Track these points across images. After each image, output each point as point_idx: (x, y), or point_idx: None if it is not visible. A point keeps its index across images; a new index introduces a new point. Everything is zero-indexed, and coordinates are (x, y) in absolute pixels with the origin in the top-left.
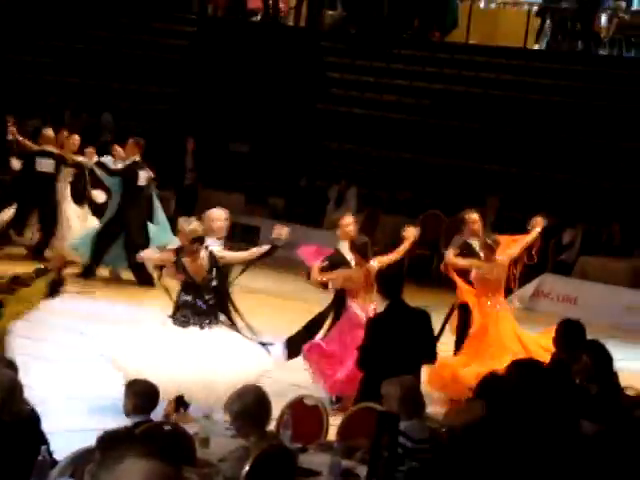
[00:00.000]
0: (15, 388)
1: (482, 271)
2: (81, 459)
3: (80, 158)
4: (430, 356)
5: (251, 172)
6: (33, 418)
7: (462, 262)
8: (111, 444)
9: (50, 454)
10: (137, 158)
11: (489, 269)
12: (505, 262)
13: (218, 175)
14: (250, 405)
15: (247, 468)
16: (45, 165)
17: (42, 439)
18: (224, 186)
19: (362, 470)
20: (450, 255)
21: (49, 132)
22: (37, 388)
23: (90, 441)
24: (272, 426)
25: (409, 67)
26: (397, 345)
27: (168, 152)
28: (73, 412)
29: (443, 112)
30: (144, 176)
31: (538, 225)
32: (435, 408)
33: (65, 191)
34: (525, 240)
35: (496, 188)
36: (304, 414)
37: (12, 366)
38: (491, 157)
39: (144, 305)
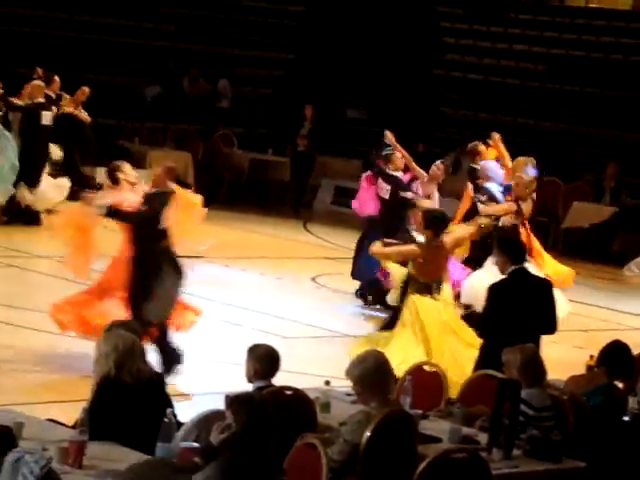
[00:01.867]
0: (134, 350)
1: None
2: (205, 422)
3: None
4: (550, 327)
5: (367, 138)
6: (156, 380)
7: None
8: (239, 406)
9: (175, 416)
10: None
11: None
12: None
13: (334, 141)
14: (371, 370)
15: (369, 433)
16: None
17: (167, 402)
18: (340, 152)
19: (482, 437)
20: None
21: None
22: None
23: (213, 404)
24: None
25: (527, 32)
26: (519, 313)
27: (285, 118)
28: (197, 375)
29: (562, 77)
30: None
31: None
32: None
33: None
34: None
35: (615, 154)
36: (424, 380)
37: (136, 330)
38: (610, 123)
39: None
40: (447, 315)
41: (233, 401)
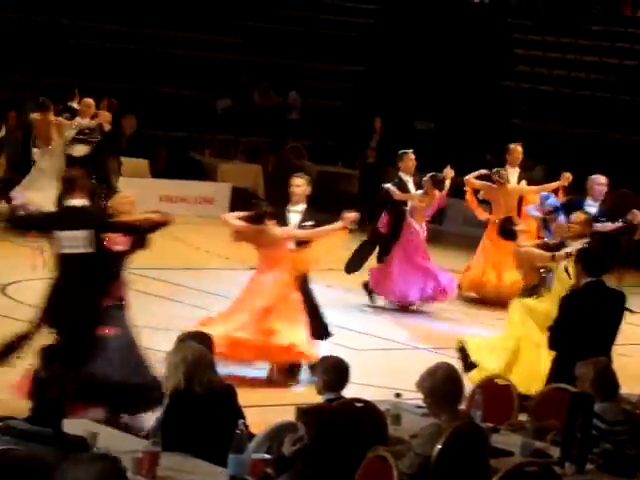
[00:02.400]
0: (202, 361)
1: None
2: (277, 434)
3: None
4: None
5: (435, 150)
6: (228, 392)
7: None
8: (311, 418)
9: (247, 427)
10: None
11: None
12: None
13: None
14: (441, 383)
15: (440, 446)
16: None
17: (238, 413)
18: None
19: (555, 451)
20: None
21: None
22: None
23: (284, 416)
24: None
25: (598, 43)
26: (593, 325)
27: (354, 130)
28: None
29: (634, 88)
30: None
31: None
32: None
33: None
34: None
35: None
36: (495, 394)
37: (205, 341)
38: None
39: None
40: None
41: (304, 413)
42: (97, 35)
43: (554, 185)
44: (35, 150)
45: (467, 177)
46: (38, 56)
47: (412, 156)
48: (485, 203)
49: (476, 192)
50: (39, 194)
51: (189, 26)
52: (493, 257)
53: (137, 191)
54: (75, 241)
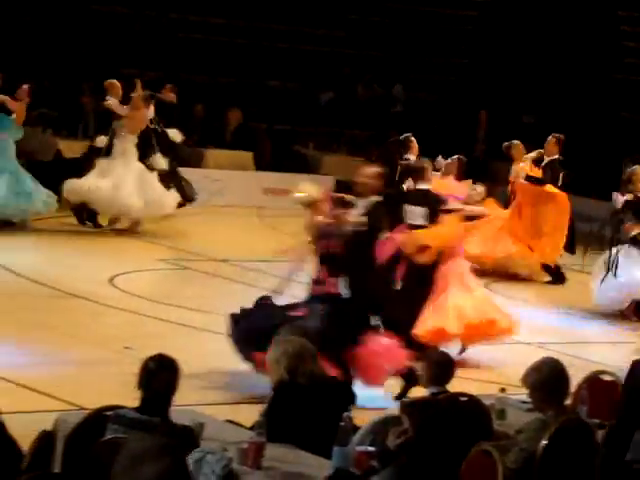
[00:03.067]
0: (303, 353)
1: None
2: (381, 426)
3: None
4: None
5: (540, 144)
6: (332, 383)
7: None
8: (415, 411)
9: (351, 419)
10: None
11: None
12: None
13: None
14: (547, 378)
15: (545, 441)
16: None
17: (344, 405)
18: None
19: None
20: None
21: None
22: None
23: (388, 409)
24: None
25: None
26: None
27: (457, 123)
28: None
29: None
30: None
31: None
32: None
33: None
34: None
35: None
36: (601, 389)
37: (306, 334)
38: None
39: None
40: None
41: (409, 406)
42: (204, 29)
43: None
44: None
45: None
46: (146, 50)
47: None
48: None
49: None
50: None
51: (295, 20)
52: None
53: (241, 183)
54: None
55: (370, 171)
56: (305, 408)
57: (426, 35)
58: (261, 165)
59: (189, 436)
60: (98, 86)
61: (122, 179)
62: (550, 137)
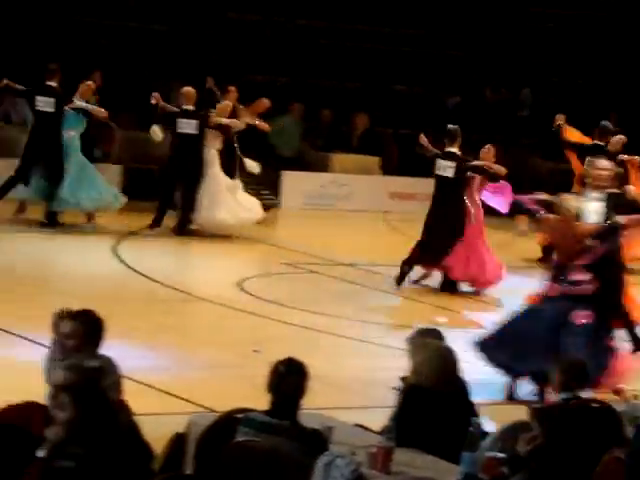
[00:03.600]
0: (447, 361)
1: None
2: (511, 432)
3: (226, 120)
4: None
5: None
6: (462, 389)
7: None
8: (545, 417)
9: (480, 425)
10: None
11: None
12: None
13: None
14: None
15: None
16: (187, 125)
17: (472, 411)
18: None
19: None
20: None
21: (190, 90)
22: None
23: (516, 415)
24: None
25: None
26: None
27: (585, 128)
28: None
29: None
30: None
31: None
32: None
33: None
34: None
35: None
36: None
37: (441, 336)
38: None
39: None
40: None
41: (539, 412)
42: (331, 34)
43: None
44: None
45: None
46: (275, 56)
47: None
48: None
49: None
50: None
51: (423, 24)
52: None
53: (367, 188)
54: None
55: (605, 163)
56: (434, 414)
57: (553, 38)
58: (388, 169)
59: (318, 440)
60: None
61: (215, 196)
62: None
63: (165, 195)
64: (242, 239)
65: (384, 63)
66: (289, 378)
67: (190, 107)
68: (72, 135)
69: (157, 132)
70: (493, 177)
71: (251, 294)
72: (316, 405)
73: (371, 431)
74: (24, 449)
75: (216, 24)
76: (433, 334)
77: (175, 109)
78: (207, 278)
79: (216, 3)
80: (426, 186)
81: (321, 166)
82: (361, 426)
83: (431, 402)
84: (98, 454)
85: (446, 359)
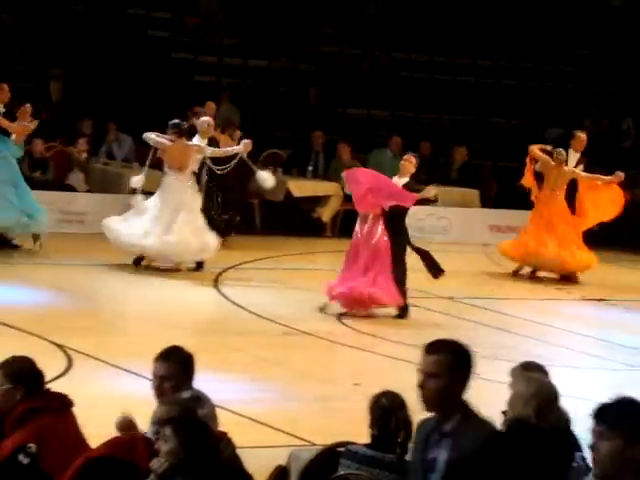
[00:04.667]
0: (552, 397)
1: None
2: None
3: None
4: None
5: None
6: (568, 424)
7: None
8: None
9: (584, 460)
10: None
11: None
12: None
13: None
14: None
15: None
16: None
17: (577, 445)
18: None
19: None
20: None
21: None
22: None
23: None
24: None
25: None
26: None
27: None
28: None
29: None
30: None
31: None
32: None
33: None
34: None
35: None
36: None
37: (544, 371)
38: None
39: None
40: None
41: None
42: (428, 68)
43: (606, 179)
44: None
45: (531, 147)
46: (371, 89)
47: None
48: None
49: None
50: None
51: (520, 56)
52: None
53: (466, 220)
54: None
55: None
56: (538, 448)
57: None
58: (486, 202)
59: None
60: (330, 126)
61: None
62: None
63: None
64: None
65: (482, 95)
66: (391, 412)
67: None
68: None
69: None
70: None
71: (351, 327)
72: None
73: None
74: None
75: (311, 57)
76: (536, 368)
77: None
78: (306, 311)
79: (311, 37)
80: (525, 218)
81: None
82: None
83: (534, 436)
84: None
85: (549, 394)
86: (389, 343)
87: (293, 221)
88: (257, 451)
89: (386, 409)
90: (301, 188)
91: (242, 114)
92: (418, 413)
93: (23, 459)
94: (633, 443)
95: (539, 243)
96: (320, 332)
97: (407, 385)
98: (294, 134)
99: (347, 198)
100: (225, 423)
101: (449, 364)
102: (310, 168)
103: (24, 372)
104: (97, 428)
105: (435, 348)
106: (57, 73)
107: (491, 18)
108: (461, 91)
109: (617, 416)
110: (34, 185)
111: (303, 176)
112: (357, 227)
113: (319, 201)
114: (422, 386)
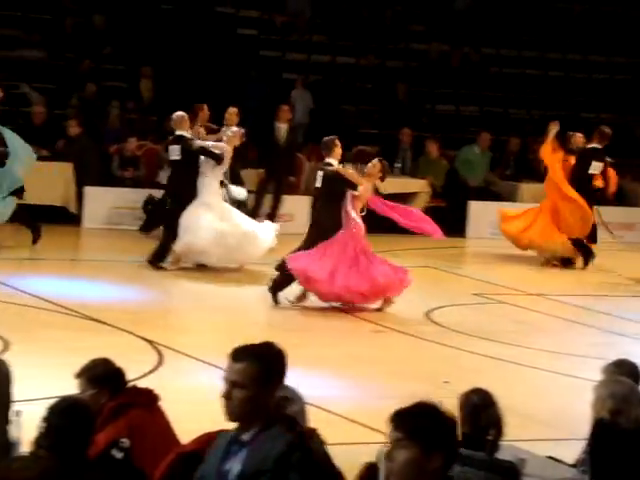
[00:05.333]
0: (631, 397)
1: None
2: None
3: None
4: None
5: None
6: None
7: None
8: None
9: None
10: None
11: None
12: None
13: None
14: None
15: None
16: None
17: None
18: None
19: None
20: None
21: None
22: None
23: None
24: None
25: None
26: None
27: None
28: None
29: None
30: None
31: None
32: None
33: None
34: None
35: None
36: None
37: (636, 369)
38: None
39: None
40: None
41: None
42: (519, 63)
43: None
44: None
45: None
46: (461, 86)
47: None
48: None
49: None
50: None
51: (611, 50)
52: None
53: None
54: None
55: None
56: (627, 451)
57: None
58: None
59: (513, 473)
60: (418, 123)
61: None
62: None
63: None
64: (422, 270)
65: (572, 90)
66: (481, 409)
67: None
68: None
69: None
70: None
71: (440, 324)
72: (509, 437)
73: (563, 464)
74: None
75: (399, 54)
76: (628, 367)
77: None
78: (396, 308)
79: (399, 34)
80: (618, 215)
81: (509, 196)
82: (553, 458)
83: (621, 439)
84: None
85: (626, 394)
86: (478, 340)
87: (379, 219)
88: (347, 448)
89: (477, 406)
90: (389, 185)
91: (335, 111)
92: (511, 411)
93: (116, 454)
94: (430, 453)
95: None
96: (409, 329)
97: (497, 383)
98: (382, 131)
99: (435, 195)
100: (315, 420)
101: (255, 373)
102: (398, 165)
103: (106, 374)
104: (187, 424)
105: (241, 355)
106: (147, 72)
107: (581, 12)
108: (551, 86)
109: (415, 423)
110: (125, 183)
111: (391, 173)
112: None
113: (407, 198)
114: (226, 397)
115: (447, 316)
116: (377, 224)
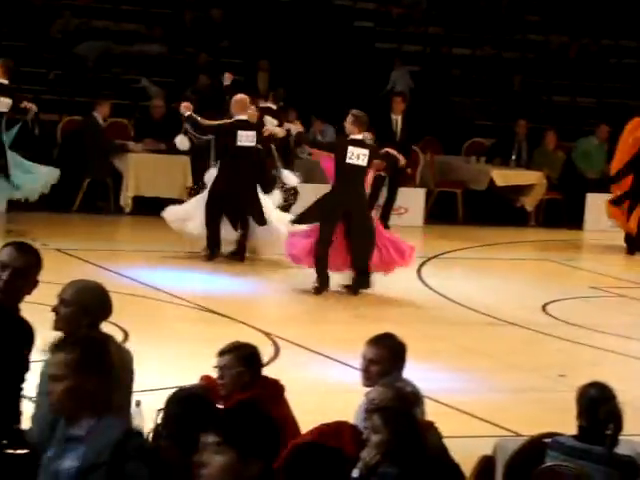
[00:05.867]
0: None
1: None
2: None
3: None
4: None
5: None
6: None
7: None
8: None
9: None
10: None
11: None
12: None
13: None
14: None
15: None
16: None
17: None
18: None
19: None
20: None
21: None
22: None
23: None
24: None
25: None
26: None
27: None
28: None
29: None
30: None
31: None
32: None
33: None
34: None
35: None
36: None
37: None
38: None
39: None
40: None
41: None
42: (638, 53)
43: None
44: None
45: None
46: (575, 76)
47: None
48: None
49: None
50: None
51: None
52: None
53: None
54: None
55: None
56: None
57: None
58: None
59: (633, 468)
60: (534, 114)
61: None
62: None
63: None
64: (539, 263)
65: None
66: (600, 403)
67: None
68: None
69: (184, 142)
70: None
71: (556, 318)
72: (626, 431)
73: None
74: (336, 469)
75: (515, 45)
76: None
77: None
78: (510, 301)
79: (516, 25)
80: None
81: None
82: None
83: None
84: (411, 475)
85: None
86: (595, 334)
87: (495, 211)
88: (463, 441)
89: (595, 400)
90: (504, 177)
91: (446, 102)
92: (630, 405)
93: None
94: (247, 459)
95: None
96: (525, 322)
97: (615, 376)
98: (497, 122)
99: (552, 187)
100: (431, 412)
101: (74, 363)
102: (513, 157)
103: (253, 356)
104: (303, 415)
105: (60, 346)
106: (264, 65)
107: None
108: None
109: (234, 427)
110: None
111: (506, 165)
112: None
113: (523, 190)
114: (49, 391)
115: (563, 309)
116: (497, 216)
